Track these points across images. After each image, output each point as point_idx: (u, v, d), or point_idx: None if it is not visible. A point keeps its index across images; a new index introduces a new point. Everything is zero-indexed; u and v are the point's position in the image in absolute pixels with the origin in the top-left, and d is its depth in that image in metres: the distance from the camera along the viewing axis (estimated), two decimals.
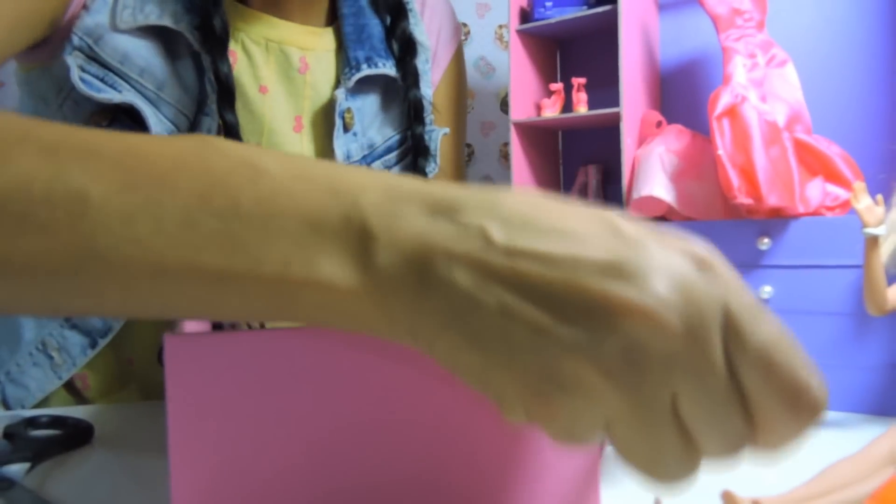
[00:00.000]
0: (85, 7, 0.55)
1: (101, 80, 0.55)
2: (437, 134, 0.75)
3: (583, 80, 0.77)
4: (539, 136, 0.84)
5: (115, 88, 0.55)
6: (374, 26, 0.72)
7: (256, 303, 0.24)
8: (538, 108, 0.82)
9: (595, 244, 0.22)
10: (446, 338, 0.22)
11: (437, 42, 0.81)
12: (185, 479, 0.30)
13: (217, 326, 0.46)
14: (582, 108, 0.76)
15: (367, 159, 0.72)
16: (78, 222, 0.25)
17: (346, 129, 0.69)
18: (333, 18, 0.74)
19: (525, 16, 0.81)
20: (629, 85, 0.72)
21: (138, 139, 0.27)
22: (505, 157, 1.26)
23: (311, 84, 0.69)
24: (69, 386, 0.80)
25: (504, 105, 1.26)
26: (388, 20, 0.71)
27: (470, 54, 1.27)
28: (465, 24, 1.27)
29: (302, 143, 0.68)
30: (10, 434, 0.49)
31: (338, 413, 0.31)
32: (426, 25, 0.80)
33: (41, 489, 0.43)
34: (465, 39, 1.27)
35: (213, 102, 0.57)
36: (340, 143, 0.68)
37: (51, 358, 0.64)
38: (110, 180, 0.25)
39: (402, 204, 0.23)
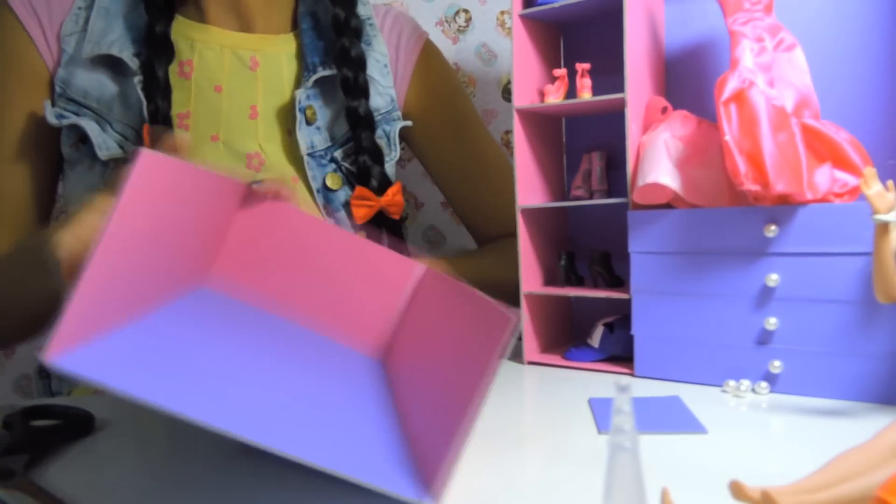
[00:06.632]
0: (58, 63, 0.75)
1: (74, 113, 0.74)
2: (396, 126, 0.91)
3: (587, 66, 0.75)
4: (542, 123, 0.83)
5: (78, 115, 0.74)
6: (328, 38, 0.86)
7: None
8: (541, 94, 0.81)
9: None
10: None
11: (396, 49, 0.95)
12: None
13: None
14: (586, 94, 0.75)
15: (332, 150, 0.85)
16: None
17: (308, 122, 0.83)
18: (296, 24, 0.87)
19: (528, 0, 0.80)
20: (634, 70, 0.71)
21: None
22: (507, 144, 1.26)
23: (262, 78, 0.83)
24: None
25: (506, 92, 1.25)
26: (346, 41, 0.85)
27: (471, 41, 1.25)
28: (466, 11, 1.25)
29: (258, 128, 0.82)
30: (9, 424, 0.49)
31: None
32: (385, 35, 0.94)
33: (42, 479, 0.43)
34: (467, 27, 1.25)
35: (146, 110, 0.73)
36: (303, 134, 0.82)
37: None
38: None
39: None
